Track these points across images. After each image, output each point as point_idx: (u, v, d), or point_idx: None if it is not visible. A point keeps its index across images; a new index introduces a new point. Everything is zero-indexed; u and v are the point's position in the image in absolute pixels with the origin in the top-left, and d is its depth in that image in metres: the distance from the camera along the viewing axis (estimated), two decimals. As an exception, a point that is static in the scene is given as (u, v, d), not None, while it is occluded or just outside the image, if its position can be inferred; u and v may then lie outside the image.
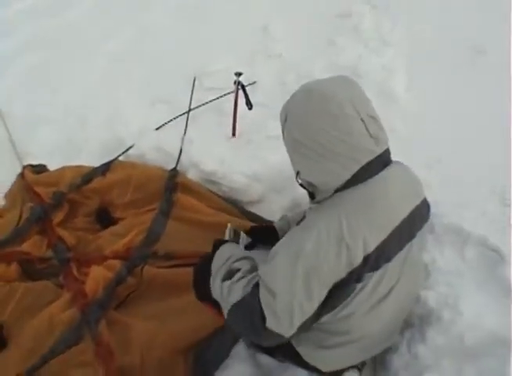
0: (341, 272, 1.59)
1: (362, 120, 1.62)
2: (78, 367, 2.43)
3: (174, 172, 3.36)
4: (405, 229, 1.72)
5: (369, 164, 1.66)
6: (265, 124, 3.62)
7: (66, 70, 5.08)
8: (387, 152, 1.73)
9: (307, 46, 4.63)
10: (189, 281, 2.62)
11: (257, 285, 1.74)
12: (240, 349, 2.55)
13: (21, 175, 3.73)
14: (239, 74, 3.46)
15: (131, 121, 4.04)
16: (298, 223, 1.82)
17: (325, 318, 1.74)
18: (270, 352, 2.47)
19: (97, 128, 4.11)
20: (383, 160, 1.71)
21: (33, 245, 3.15)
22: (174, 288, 2.73)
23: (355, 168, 1.65)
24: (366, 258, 1.60)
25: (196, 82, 4.10)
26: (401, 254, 1.73)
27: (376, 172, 1.69)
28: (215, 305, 2.07)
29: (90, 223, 3.37)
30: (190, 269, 2.67)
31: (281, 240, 1.82)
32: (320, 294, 1.62)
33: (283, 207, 3.15)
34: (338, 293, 1.64)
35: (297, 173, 1.82)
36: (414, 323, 2.28)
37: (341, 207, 1.64)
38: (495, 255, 2.29)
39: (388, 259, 1.68)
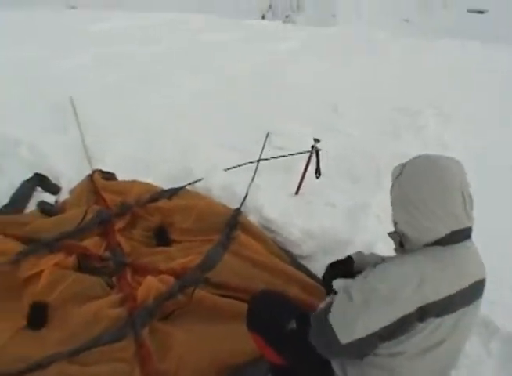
0: (412, 307, 1.93)
1: (463, 196, 2.02)
2: (116, 361, 2.73)
3: (237, 212, 3.71)
4: (466, 294, 2.07)
5: (456, 232, 2.04)
6: (324, 191, 4.04)
7: (144, 95, 5.58)
8: (470, 229, 2.12)
9: (373, 131, 5.14)
10: (234, 311, 3.00)
11: (331, 304, 2.08)
12: (266, 386, 2.78)
13: (90, 177, 4.11)
14: (317, 141, 3.85)
15: (202, 156, 4.47)
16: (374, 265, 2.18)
17: (377, 350, 2.05)
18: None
19: (168, 155, 4.52)
20: (465, 234, 2.10)
21: (93, 244, 3.50)
22: (220, 314, 3.02)
23: (445, 231, 2.03)
24: (435, 303, 1.95)
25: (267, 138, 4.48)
26: (458, 314, 2.07)
27: (458, 241, 2.07)
28: (263, 337, 2.41)
29: (147, 238, 3.70)
30: (238, 302, 3.06)
31: (369, 268, 2.15)
32: (387, 319, 1.95)
33: (328, 267, 3.48)
34: (402, 326, 1.96)
35: (395, 223, 2.18)
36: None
37: (426, 258, 2.02)
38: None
39: (449, 311, 2.03)
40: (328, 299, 2.22)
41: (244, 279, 3.22)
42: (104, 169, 4.28)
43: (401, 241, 2.18)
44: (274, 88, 6.00)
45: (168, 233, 3.71)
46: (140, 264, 3.38)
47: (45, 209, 3.90)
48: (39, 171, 4.24)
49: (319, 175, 3.88)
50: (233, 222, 3.61)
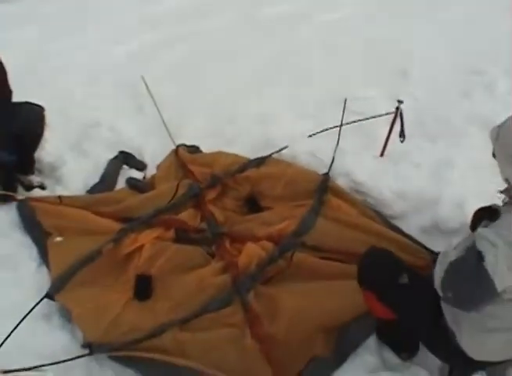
0: None
1: None
2: (227, 327, 2.87)
3: (326, 176, 3.80)
4: None
5: None
6: (407, 152, 4.06)
7: (213, 69, 5.63)
8: None
9: (443, 94, 5.09)
10: (333, 272, 3.14)
11: (471, 248, 2.08)
12: (371, 342, 2.86)
13: (175, 152, 4.26)
14: (400, 102, 3.83)
15: (282, 126, 4.52)
16: None
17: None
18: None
19: (247, 126, 4.59)
20: None
21: (188, 216, 3.64)
22: (319, 275, 3.14)
23: None
24: None
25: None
26: None
27: None
28: (376, 292, 2.49)
29: (238, 207, 3.85)
30: (335, 262, 3.20)
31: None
32: None
33: (421, 226, 3.58)
34: None
35: (506, 180, 2.20)
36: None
37: None
38: None
39: None
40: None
41: (339, 240, 3.33)
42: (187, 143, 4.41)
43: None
44: (341, 55, 5.96)
45: (259, 200, 3.83)
46: (237, 232, 3.51)
47: (134, 185, 4.08)
48: (122, 150, 4.40)
49: (404, 138, 3.86)
50: (323, 186, 3.70)
